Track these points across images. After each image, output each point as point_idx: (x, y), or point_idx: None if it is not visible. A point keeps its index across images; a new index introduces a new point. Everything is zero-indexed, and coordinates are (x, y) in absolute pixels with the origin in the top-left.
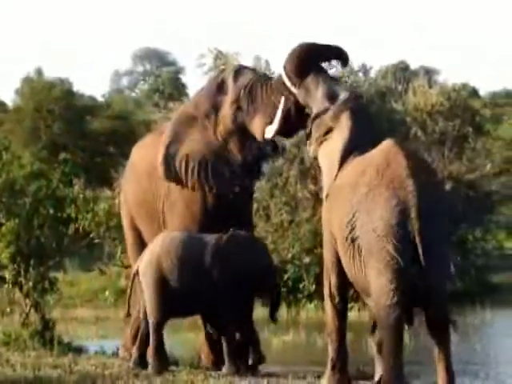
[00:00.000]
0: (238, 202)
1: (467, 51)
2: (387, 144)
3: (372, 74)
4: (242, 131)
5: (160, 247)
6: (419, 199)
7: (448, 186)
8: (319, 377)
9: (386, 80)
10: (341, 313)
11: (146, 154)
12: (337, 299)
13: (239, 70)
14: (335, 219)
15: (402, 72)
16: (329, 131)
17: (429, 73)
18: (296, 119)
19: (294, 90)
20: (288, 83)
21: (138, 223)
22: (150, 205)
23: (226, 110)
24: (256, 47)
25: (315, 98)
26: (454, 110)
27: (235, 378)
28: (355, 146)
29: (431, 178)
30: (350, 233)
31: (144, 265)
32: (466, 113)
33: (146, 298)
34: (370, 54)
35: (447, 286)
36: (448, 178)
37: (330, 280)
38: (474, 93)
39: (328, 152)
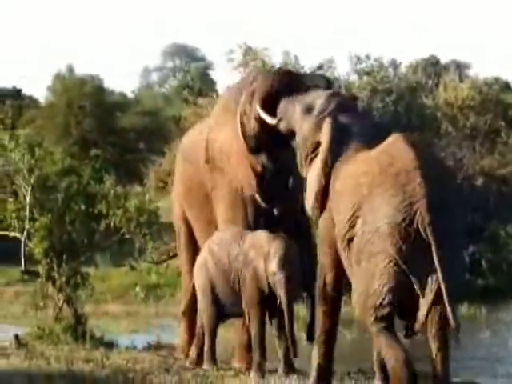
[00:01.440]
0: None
1: (499, 45)
2: (392, 139)
3: (402, 69)
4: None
5: (207, 249)
6: (428, 191)
7: (479, 182)
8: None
9: (416, 75)
10: (332, 314)
11: (194, 143)
12: (330, 300)
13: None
14: (336, 219)
15: (433, 67)
16: (317, 146)
17: (460, 67)
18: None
19: (272, 121)
20: (267, 119)
21: (187, 213)
22: (198, 194)
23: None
24: (286, 42)
25: (295, 120)
26: (485, 104)
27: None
28: (338, 153)
29: (441, 170)
30: (348, 232)
31: (196, 267)
32: (498, 107)
33: (198, 299)
34: (400, 49)
35: (459, 284)
36: (480, 173)
37: (324, 280)
38: (507, 86)
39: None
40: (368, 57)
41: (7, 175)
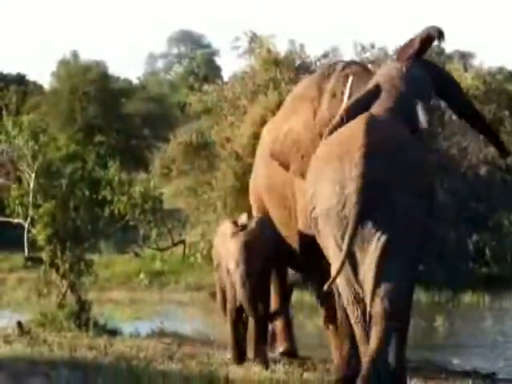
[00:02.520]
0: None
1: (503, 34)
2: (357, 118)
3: None
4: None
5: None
6: (364, 173)
7: (483, 171)
8: None
9: None
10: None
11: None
12: None
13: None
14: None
15: (437, 56)
16: None
17: (464, 57)
18: None
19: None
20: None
21: (268, 209)
22: (278, 190)
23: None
24: (290, 30)
25: None
26: (489, 93)
27: None
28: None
29: (402, 154)
30: (311, 213)
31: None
32: (502, 96)
33: None
34: (405, 38)
35: (407, 297)
36: (483, 162)
37: None
38: (511, 76)
39: None
40: (373, 46)
41: (11, 161)
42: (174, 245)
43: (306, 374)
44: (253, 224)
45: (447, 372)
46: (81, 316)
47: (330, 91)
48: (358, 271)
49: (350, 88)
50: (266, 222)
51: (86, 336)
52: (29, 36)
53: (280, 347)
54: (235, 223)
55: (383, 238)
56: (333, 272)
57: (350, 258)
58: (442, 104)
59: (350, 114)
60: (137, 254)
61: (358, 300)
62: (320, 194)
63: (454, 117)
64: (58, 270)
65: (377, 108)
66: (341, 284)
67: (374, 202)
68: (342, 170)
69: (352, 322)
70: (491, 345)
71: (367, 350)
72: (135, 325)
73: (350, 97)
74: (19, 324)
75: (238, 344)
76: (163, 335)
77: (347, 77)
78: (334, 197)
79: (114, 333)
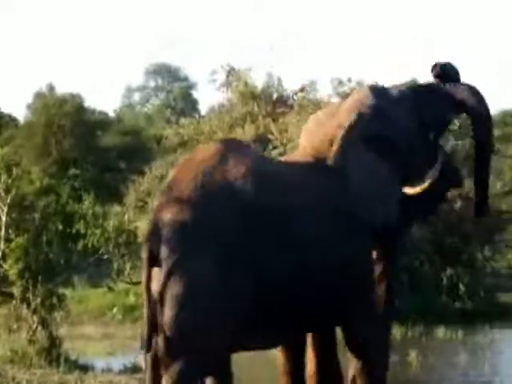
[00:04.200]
0: None
1: (478, 69)
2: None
3: None
4: None
5: None
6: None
7: (458, 205)
8: None
9: None
10: None
11: None
12: None
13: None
14: None
15: None
16: None
17: None
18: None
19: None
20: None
21: None
22: None
23: None
24: (269, 63)
25: None
26: (463, 128)
27: None
28: None
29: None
30: None
31: None
32: None
33: None
34: (382, 72)
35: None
36: (458, 196)
37: None
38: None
39: None
40: (349, 80)
41: None
42: None
43: None
44: None
45: None
46: (51, 352)
47: None
48: None
49: None
50: None
51: (56, 372)
52: (3, 68)
53: None
54: None
55: None
56: None
57: None
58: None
59: None
60: (110, 288)
61: None
62: None
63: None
64: (29, 305)
65: None
66: None
67: None
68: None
69: None
70: (463, 380)
71: None
72: (108, 360)
73: None
74: None
75: None
76: (136, 371)
77: None
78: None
79: (85, 368)
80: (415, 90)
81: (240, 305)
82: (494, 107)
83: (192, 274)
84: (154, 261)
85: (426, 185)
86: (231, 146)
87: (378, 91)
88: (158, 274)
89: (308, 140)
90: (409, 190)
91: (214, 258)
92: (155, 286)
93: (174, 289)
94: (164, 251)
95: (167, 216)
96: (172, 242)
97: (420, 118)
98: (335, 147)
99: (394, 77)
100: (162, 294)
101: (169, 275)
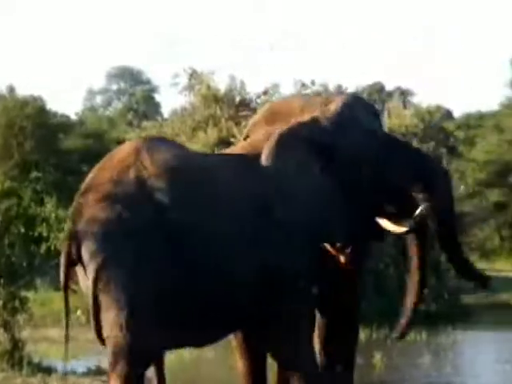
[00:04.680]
0: None
1: (441, 72)
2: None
3: None
4: None
5: None
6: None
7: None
8: None
9: None
10: None
11: None
12: None
13: None
14: None
15: (378, 93)
16: None
17: (404, 94)
18: None
19: None
20: None
21: None
22: None
23: None
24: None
25: None
26: (427, 131)
27: None
28: None
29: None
30: None
31: None
32: (440, 134)
33: None
34: (346, 75)
35: None
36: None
37: None
38: (448, 115)
39: None
40: (313, 82)
41: None
42: None
43: None
44: None
45: None
46: (14, 355)
47: None
48: None
49: None
50: None
51: (19, 375)
52: None
53: None
54: None
55: None
56: None
57: None
58: None
59: None
60: (74, 291)
61: None
62: None
63: None
64: None
65: None
66: None
67: None
68: None
69: None
70: (427, 381)
71: None
72: (71, 363)
73: None
74: None
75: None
76: (100, 373)
77: None
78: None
79: (48, 371)
80: (389, 140)
81: (164, 304)
82: (458, 111)
83: (117, 274)
84: (72, 262)
85: (403, 230)
86: (150, 144)
87: (360, 105)
88: (82, 274)
89: (251, 133)
90: (387, 225)
91: (137, 256)
92: (83, 287)
93: (103, 290)
94: (86, 252)
95: (86, 216)
96: (93, 243)
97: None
98: (268, 144)
99: (358, 80)
100: (93, 295)
101: (96, 276)
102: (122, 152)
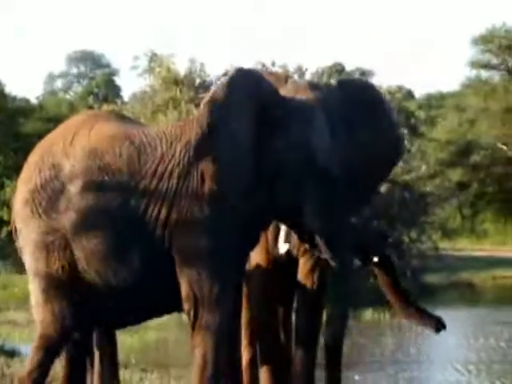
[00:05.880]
0: None
1: (402, 53)
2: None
3: (307, 75)
4: None
5: None
6: None
7: (383, 188)
8: None
9: (321, 82)
10: None
11: None
12: None
13: None
14: None
15: (338, 74)
16: None
17: (364, 74)
18: None
19: None
20: None
21: None
22: None
23: None
24: (191, 49)
25: None
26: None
27: None
28: None
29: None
30: None
31: None
32: (401, 114)
33: None
34: (306, 56)
35: None
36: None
37: None
38: (409, 95)
39: None
40: (273, 63)
41: None
42: None
43: None
44: None
45: None
46: None
47: None
48: None
49: None
50: None
51: None
52: None
53: None
54: None
55: None
56: None
57: None
58: None
59: None
60: None
61: None
62: None
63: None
64: None
65: None
66: None
67: None
68: None
69: None
70: (392, 361)
71: None
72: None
73: None
74: None
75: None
76: (63, 355)
77: None
78: None
79: (11, 354)
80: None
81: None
82: (419, 91)
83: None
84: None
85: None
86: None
87: (322, 96)
88: None
89: None
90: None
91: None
92: None
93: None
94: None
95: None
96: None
97: None
98: (202, 107)
99: (318, 60)
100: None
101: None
102: (63, 126)
